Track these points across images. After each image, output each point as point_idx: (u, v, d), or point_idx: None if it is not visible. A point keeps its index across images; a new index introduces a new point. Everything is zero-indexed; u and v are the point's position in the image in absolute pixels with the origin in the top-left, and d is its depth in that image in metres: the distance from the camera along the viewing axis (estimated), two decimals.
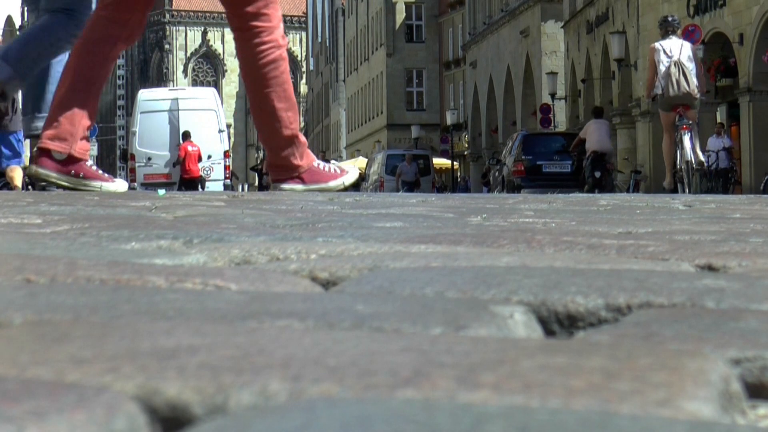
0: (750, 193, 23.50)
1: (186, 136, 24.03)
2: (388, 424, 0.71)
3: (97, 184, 5.20)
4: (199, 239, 2.30)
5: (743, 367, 1.02)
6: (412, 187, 35.08)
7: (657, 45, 13.56)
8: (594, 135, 21.41)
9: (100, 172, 5.36)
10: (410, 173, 36.83)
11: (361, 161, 46.48)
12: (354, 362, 0.91)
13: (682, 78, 13.18)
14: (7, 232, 2.50)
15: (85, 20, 5.60)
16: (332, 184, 5.43)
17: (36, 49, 5.84)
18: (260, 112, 5.39)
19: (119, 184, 5.37)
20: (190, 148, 23.85)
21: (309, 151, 5.48)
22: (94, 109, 5.27)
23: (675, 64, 13.20)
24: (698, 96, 13.26)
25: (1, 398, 0.76)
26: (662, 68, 13.19)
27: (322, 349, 0.97)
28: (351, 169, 5.77)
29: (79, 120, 5.14)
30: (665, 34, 13.62)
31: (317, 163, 5.49)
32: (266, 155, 5.58)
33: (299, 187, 5.38)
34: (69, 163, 5.16)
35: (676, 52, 13.34)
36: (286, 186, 5.39)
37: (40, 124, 5.69)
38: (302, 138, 5.47)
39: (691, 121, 13.19)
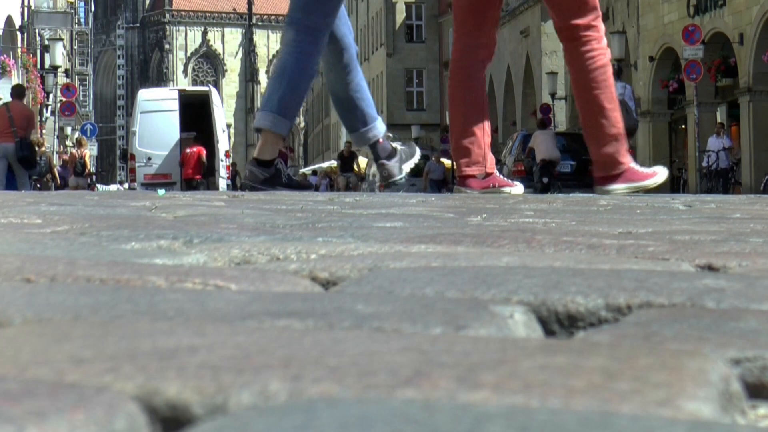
0: (750, 193, 23.50)
1: (189, 141, 24.27)
2: (388, 424, 0.71)
3: (507, 189, 6.02)
4: (199, 239, 2.30)
5: (743, 367, 1.02)
6: (440, 186, 32.63)
7: None
8: (542, 145, 24.39)
9: (505, 178, 6.21)
10: (439, 171, 34.57)
11: (361, 161, 46.43)
12: (354, 362, 0.91)
13: (625, 113, 17.48)
14: (7, 232, 2.50)
15: (323, 40, 6.15)
16: (649, 182, 6.00)
17: (301, 95, 6.25)
18: (589, 113, 6.03)
19: (519, 188, 6.16)
20: (188, 150, 24.12)
21: (627, 151, 6.14)
22: (488, 125, 6.09)
23: (621, 103, 16.96)
24: (636, 127, 18.26)
25: (1, 398, 0.76)
26: None
27: (322, 349, 0.97)
28: (661, 170, 6.31)
29: (483, 141, 5.99)
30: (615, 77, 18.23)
31: (633, 163, 6.13)
32: (591, 152, 6.17)
33: (622, 186, 5.92)
34: (487, 178, 6.03)
35: (621, 92, 17.29)
36: (610, 187, 5.94)
37: (369, 134, 6.42)
38: (624, 139, 6.11)
39: (632, 143, 17.72)
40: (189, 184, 23.41)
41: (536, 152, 24.57)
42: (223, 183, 24.88)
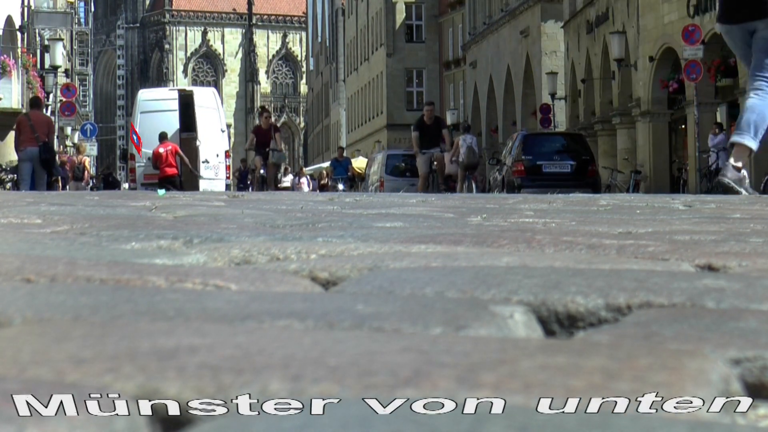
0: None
1: (162, 137, 23.83)
2: (388, 424, 0.71)
3: None
4: (199, 239, 2.30)
5: (743, 367, 1.02)
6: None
7: (459, 138, 24.74)
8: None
9: None
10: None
11: (361, 161, 46.41)
12: (354, 362, 0.91)
13: (472, 154, 24.42)
14: (7, 232, 2.50)
15: None
16: None
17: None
18: None
19: None
20: (161, 150, 23.55)
21: None
22: None
23: (469, 147, 24.34)
24: (478, 163, 25.63)
25: (1, 398, 0.76)
26: (463, 149, 24.23)
27: (322, 349, 0.97)
28: None
29: None
30: (465, 131, 25.45)
31: None
32: None
33: None
34: None
35: (470, 141, 24.63)
36: None
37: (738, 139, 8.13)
38: None
39: (476, 174, 25.15)
40: (168, 182, 22.77)
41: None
42: (218, 184, 24.79)
